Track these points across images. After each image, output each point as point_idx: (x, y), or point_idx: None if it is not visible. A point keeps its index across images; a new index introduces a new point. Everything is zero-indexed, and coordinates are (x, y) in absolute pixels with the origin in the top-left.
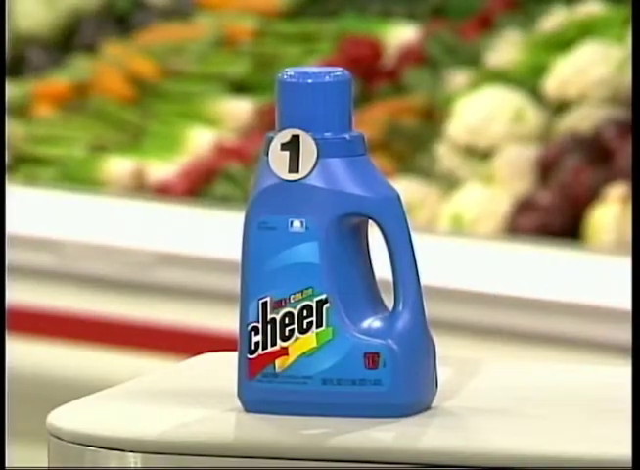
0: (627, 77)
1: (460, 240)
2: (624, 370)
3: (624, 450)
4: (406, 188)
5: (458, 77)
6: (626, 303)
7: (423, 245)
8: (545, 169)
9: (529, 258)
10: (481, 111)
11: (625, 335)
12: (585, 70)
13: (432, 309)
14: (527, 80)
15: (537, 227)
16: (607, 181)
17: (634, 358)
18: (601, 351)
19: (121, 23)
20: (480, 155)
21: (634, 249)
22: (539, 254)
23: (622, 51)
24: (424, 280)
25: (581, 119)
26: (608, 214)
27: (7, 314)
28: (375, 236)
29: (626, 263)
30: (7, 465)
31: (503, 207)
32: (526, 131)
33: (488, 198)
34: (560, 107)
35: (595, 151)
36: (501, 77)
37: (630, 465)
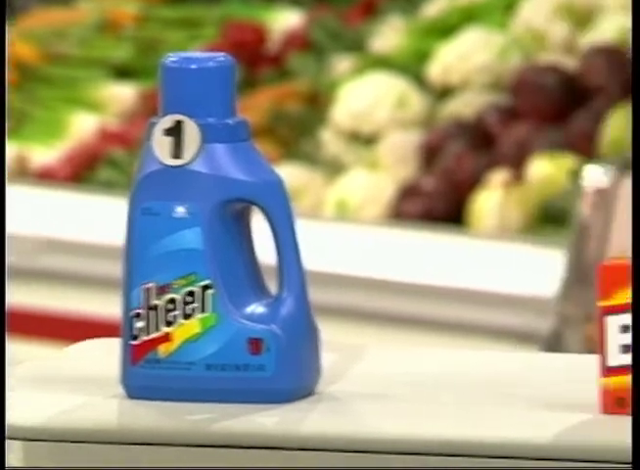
0: (509, 63)
1: (345, 225)
2: (511, 355)
3: (514, 433)
4: (291, 173)
5: (342, 63)
6: (508, 287)
7: (307, 230)
8: (429, 155)
9: (414, 244)
10: (366, 96)
11: (508, 319)
12: (468, 56)
13: (316, 295)
14: (411, 66)
15: (421, 212)
16: (489, 167)
17: (634, 357)
18: (485, 334)
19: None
20: (364, 140)
21: (634, 248)
22: (423, 239)
23: (504, 37)
24: (309, 265)
25: (464, 105)
26: (490, 200)
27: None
28: (260, 222)
29: (508, 248)
30: (7, 465)
31: (387, 192)
32: (410, 117)
33: (373, 183)
34: (443, 93)
35: (477, 136)
36: (385, 63)
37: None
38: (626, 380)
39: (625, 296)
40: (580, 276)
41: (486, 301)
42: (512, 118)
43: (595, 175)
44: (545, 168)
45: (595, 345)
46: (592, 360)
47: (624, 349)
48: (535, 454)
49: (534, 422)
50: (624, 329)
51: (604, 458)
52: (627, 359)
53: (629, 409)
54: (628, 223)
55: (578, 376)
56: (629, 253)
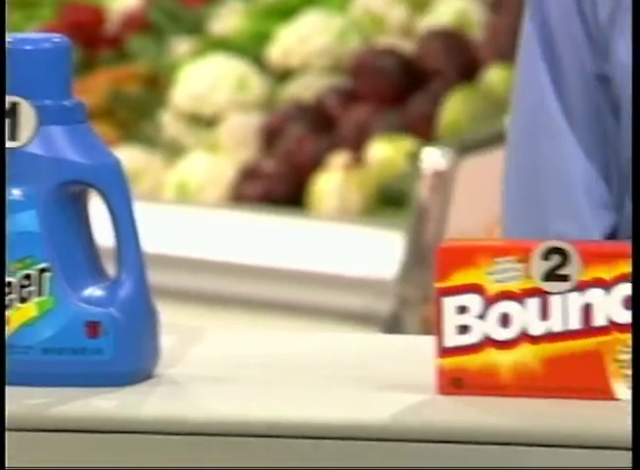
0: (348, 46)
1: (185, 208)
2: (350, 336)
3: (351, 414)
4: (130, 156)
5: (182, 45)
6: (348, 269)
7: (147, 213)
8: (269, 137)
9: (254, 226)
10: (205, 79)
11: (349, 301)
12: (307, 38)
13: (156, 278)
14: (251, 48)
15: (262, 195)
16: (329, 149)
17: (634, 356)
18: (325, 317)
19: None
20: (204, 123)
21: (634, 248)
22: (264, 221)
23: (343, 20)
24: (148, 248)
25: (304, 88)
26: (330, 182)
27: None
28: (99, 205)
29: (348, 230)
30: (7, 465)
31: (227, 174)
32: (250, 99)
33: (213, 166)
34: (283, 75)
35: (318, 119)
36: (224, 45)
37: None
38: (462, 361)
39: (462, 277)
40: (419, 258)
41: (327, 283)
42: (351, 101)
43: (433, 158)
44: (384, 151)
45: (433, 326)
46: (430, 342)
47: (460, 329)
48: (372, 435)
49: (372, 403)
50: (460, 310)
51: (439, 438)
52: (463, 340)
53: (466, 390)
54: (466, 205)
55: (416, 357)
56: (467, 234)
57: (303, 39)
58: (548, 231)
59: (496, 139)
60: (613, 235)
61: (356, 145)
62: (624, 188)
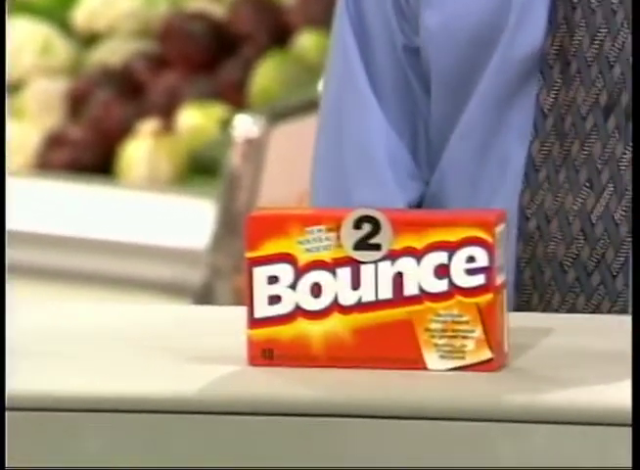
0: (156, 10)
1: None
2: (161, 307)
3: (160, 387)
4: None
5: None
6: (159, 239)
7: None
8: (75, 104)
9: (61, 194)
10: (9, 42)
11: (159, 271)
12: (113, 1)
13: None
14: (55, 12)
15: (68, 162)
16: (138, 116)
17: (634, 355)
18: (136, 288)
19: None
20: (9, 88)
21: (635, 247)
22: (71, 189)
23: None
24: None
25: (111, 53)
26: (139, 150)
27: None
28: None
29: (158, 199)
30: (7, 465)
31: (33, 141)
32: (55, 64)
33: (18, 132)
34: (89, 39)
35: (125, 85)
36: (28, 9)
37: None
38: (273, 331)
39: (272, 247)
40: (230, 227)
41: (137, 253)
42: (160, 66)
43: (245, 125)
44: (195, 118)
45: (244, 296)
46: (241, 312)
47: (271, 300)
48: (180, 408)
49: (181, 375)
50: (271, 280)
51: (248, 410)
52: (274, 311)
53: (277, 361)
54: (278, 174)
55: (228, 328)
56: (279, 203)
57: (109, 2)
58: (352, 201)
59: (308, 106)
60: (419, 206)
61: (166, 112)
62: (433, 159)
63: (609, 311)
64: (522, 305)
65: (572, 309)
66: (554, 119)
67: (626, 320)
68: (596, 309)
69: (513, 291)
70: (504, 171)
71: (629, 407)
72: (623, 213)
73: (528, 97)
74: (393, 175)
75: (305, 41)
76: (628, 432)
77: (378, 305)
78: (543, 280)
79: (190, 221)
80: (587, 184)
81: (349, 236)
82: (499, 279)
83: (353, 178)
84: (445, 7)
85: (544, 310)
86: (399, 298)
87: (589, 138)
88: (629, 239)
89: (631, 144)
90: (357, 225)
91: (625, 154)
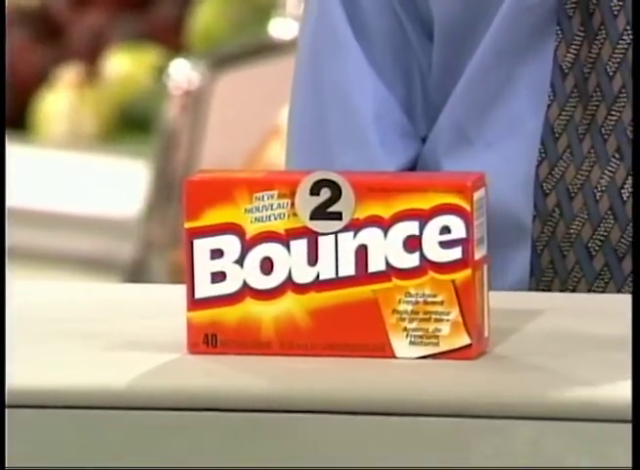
0: None
1: None
2: (86, 286)
3: (90, 378)
4: None
5: None
6: (83, 206)
7: None
8: None
9: None
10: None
11: (83, 244)
12: None
13: None
14: None
15: None
16: (57, 62)
17: (634, 355)
18: (57, 262)
19: None
20: None
21: (634, 247)
22: None
23: None
24: None
25: None
26: (59, 102)
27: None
28: None
29: (81, 159)
30: (7, 465)
31: None
32: None
33: None
34: None
35: (42, 26)
36: None
37: None
38: (217, 314)
39: (216, 216)
40: (166, 193)
41: (57, 223)
42: (83, 5)
43: (183, 73)
44: (124, 64)
45: (183, 273)
46: (180, 292)
47: (215, 277)
48: (113, 403)
49: (108, 365)
50: (215, 254)
51: (185, 405)
52: (218, 290)
53: (222, 348)
54: (223, 130)
55: (164, 310)
56: (223, 164)
57: None
58: (334, 163)
59: (258, 51)
60: (412, 169)
61: (90, 57)
62: (433, 114)
63: None
64: (541, 292)
65: None
66: (575, 79)
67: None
68: None
69: (529, 278)
70: (515, 137)
71: (628, 401)
72: None
73: (545, 52)
74: (379, 134)
75: None
76: (627, 429)
77: (338, 282)
78: (566, 265)
79: (119, 186)
80: (617, 155)
81: (305, 203)
82: (479, 253)
83: (335, 138)
84: None
85: None
86: (363, 274)
87: (618, 101)
88: None
89: None
90: (314, 191)
91: None
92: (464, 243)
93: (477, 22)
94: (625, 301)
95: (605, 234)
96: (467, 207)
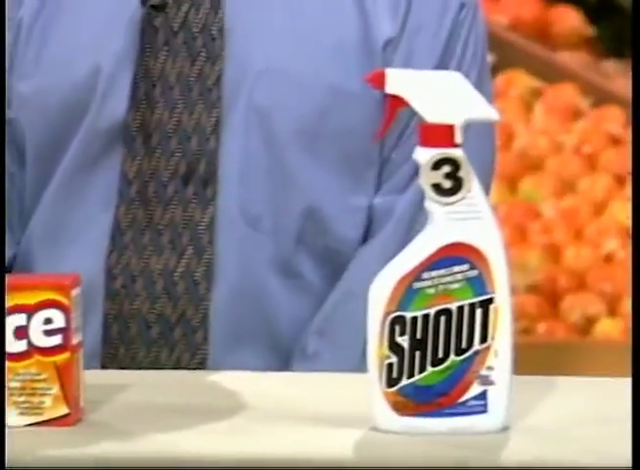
0: None
1: None
2: None
3: None
4: None
5: None
6: None
7: None
8: None
9: None
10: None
11: None
12: None
13: None
14: None
15: None
16: None
17: (634, 357)
18: None
19: None
20: None
21: (634, 247)
22: None
23: None
24: None
25: None
26: None
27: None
28: None
29: None
30: (7, 465)
31: None
32: None
33: None
34: None
35: None
36: None
37: None
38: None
39: None
40: None
41: None
42: None
43: None
44: None
45: None
46: None
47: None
48: None
49: None
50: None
51: None
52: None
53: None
54: None
55: None
56: None
57: None
58: None
59: None
60: (10, 268)
61: None
62: (25, 222)
63: (189, 363)
64: (109, 357)
65: (156, 361)
66: (138, 186)
67: (204, 374)
68: (178, 361)
69: (101, 345)
70: (89, 234)
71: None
72: (202, 273)
73: (113, 165)
74: None
75: None
76: None
77: None
78: (129, 335)
79: None
80: (169, 246)
81: None
82: (76, 339)
83: None
84: (40, 72)
85: (130, 363)
86: None
87: (171, 204)
88: (208, 296)
89: (210, 208)
90: None
91: (204, 218)
92: (64, 331)
93: (61, 140)
94: (198, 375)
95: (160, 309)
96: (66, 302)
